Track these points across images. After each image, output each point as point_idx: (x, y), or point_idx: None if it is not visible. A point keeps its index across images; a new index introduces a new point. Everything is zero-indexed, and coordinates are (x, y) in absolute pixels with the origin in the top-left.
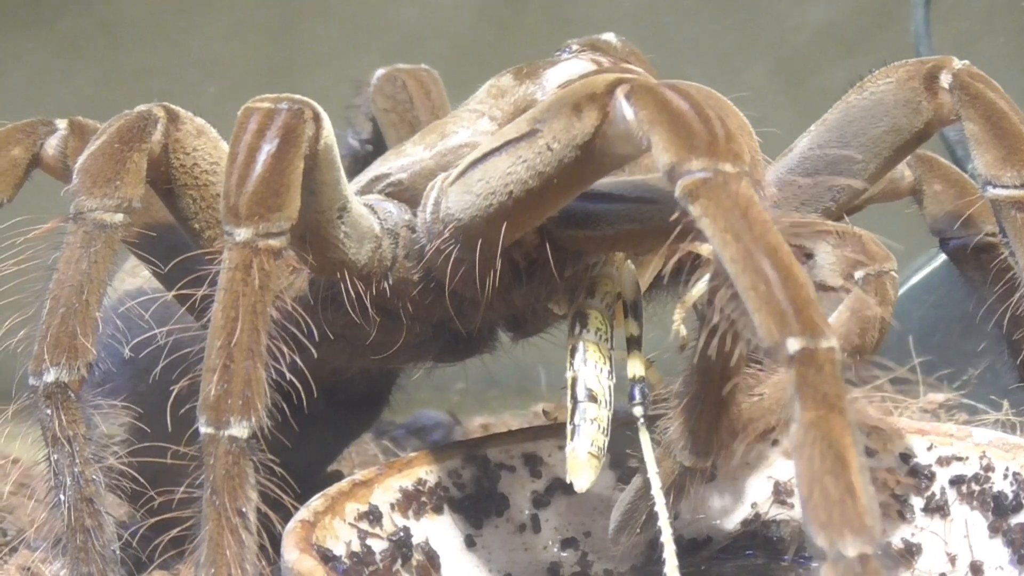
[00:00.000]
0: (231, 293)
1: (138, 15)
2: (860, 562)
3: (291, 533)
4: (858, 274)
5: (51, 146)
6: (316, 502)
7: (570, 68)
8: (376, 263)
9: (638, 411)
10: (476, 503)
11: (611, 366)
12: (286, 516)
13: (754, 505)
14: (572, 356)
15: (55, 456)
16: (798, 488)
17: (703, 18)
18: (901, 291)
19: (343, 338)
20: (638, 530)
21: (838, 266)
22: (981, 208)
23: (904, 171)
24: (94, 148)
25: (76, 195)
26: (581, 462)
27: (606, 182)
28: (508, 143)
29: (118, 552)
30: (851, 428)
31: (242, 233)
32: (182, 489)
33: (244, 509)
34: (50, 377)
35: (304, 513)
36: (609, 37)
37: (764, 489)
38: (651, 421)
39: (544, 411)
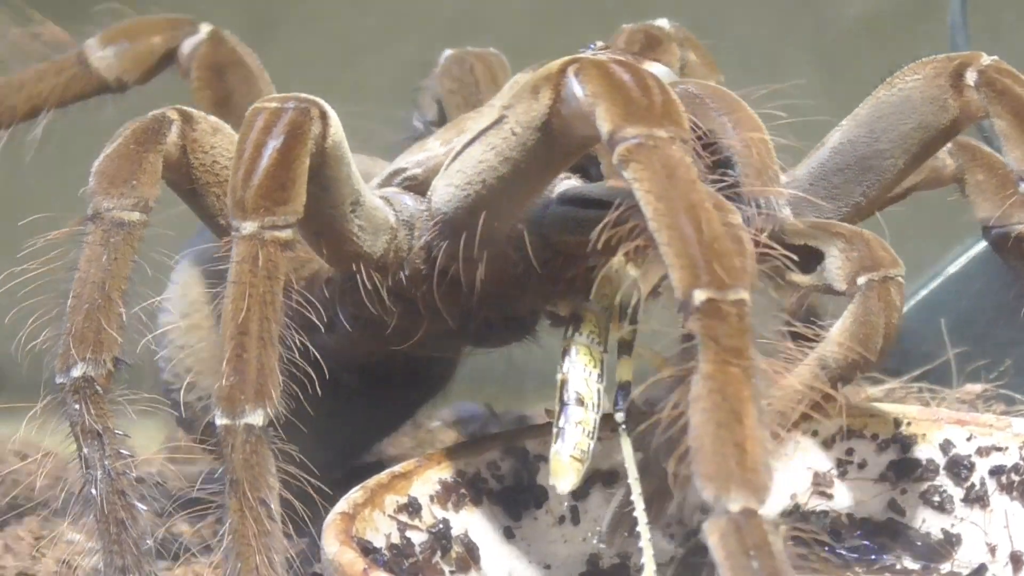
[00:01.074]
0: (240, 285)
1: None
2: (744, 517)
3: (331, 525)
4: (861, 279)
5: (188, 45)
6: (355, 494)
7: None
8: (392, 254)
9: (619, 416)
10: (515, 495)
11: (602, 369)
12: (311, 506)
13: (793, 496)
14: (563, 358)
15: (86, 451)
16: (690, 440)
17: (742, 8)
18: (938, 281)
19: (364, 327)
20: (625, 533)
21: (844, 270)
22: (1020, 200)
23: (946, 159)
24: (110, 151)
25: (93, 196)
26: (564, 464)
27: (599, 187)
28: (481, 132)
29: (152, 545)
30: (751, 382)
31: (248, 226)
32: (199, 484)
33: (266, 497)
34: (77, 372)
35: (343, 505)
36: (663, 23)
37: (803, 480)
38: (636, 424)
39: (546, 411)
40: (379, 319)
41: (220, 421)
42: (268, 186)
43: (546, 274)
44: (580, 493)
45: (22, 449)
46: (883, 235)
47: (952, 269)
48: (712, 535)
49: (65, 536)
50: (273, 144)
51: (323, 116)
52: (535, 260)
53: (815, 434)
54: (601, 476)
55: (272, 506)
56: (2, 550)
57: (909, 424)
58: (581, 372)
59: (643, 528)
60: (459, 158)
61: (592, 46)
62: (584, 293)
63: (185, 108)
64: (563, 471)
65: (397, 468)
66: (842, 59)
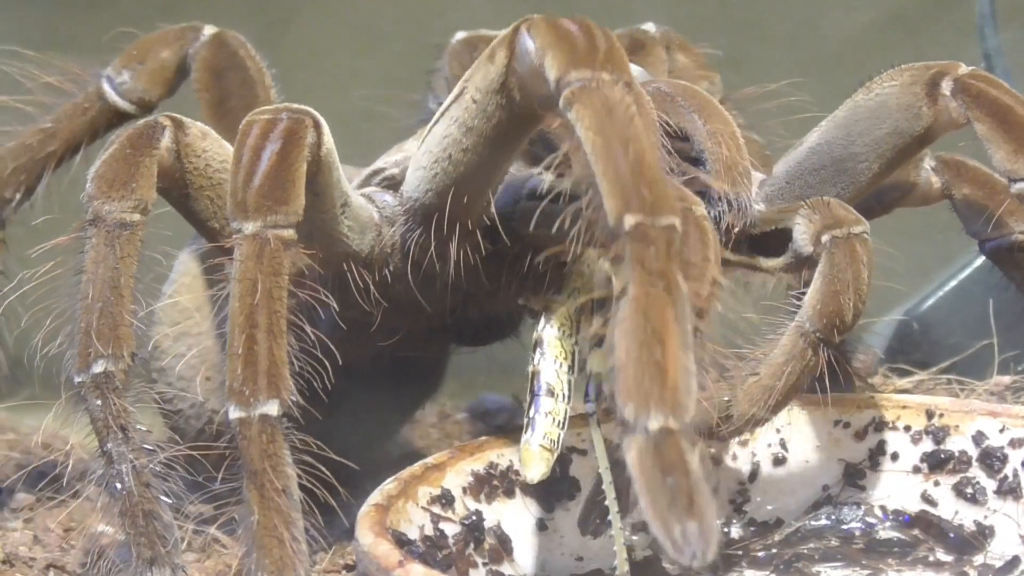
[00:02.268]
0: (245, 282)
1: None
2: (662, 435)
3: (365, 517)
4: (825, 238)
5: (193, 50)
6: (389, 486)
7: None
8: (378, 251)
9: (590, 408)
10: (547, 487)
11: (572, 361)
12: (334, 494)
13: (825, 487)
14: (534, 350)
15: (109, 446)
16: (613, 360)
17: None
18: (966, 272)
19: (350, 326)
20: (597, 520)
21: (808, 233)
22: (1011, 207)
23: (931, 178)
24: (107, 155)
25: (93, 200)
26: (533, 454)
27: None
28: (444, 109)
29: (178, 536)
30: (676, 306)
31: (251, 226)
32: (220, 479)
33: (286, 487)
34: (98, 368)
35: (377, 497)
36: (649, 27)
37: (835, 471)
38: (608, 416)
39: (514, 397)
40: (364, 318)
41: (234, 415)
42: (269, 186)
43: (518, 268)
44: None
45: (49, 442)
46: (911, 226)
47: (979, 260)
48: (629, 453)
49: (94, 528)
50: (271, 148)
51: (316, 125)
52: (508, 252)
53: (847, 426)
54: None
55: (294, 495)
56: (31, 542)
57: (942, 416)
58: (552, 364)
59: (614, 517)
60: (425, 140)
61: None
62: (556, 287)
63: (175, 115)
64: (532, 461)
65: (430, 460)
66: (867, 49)
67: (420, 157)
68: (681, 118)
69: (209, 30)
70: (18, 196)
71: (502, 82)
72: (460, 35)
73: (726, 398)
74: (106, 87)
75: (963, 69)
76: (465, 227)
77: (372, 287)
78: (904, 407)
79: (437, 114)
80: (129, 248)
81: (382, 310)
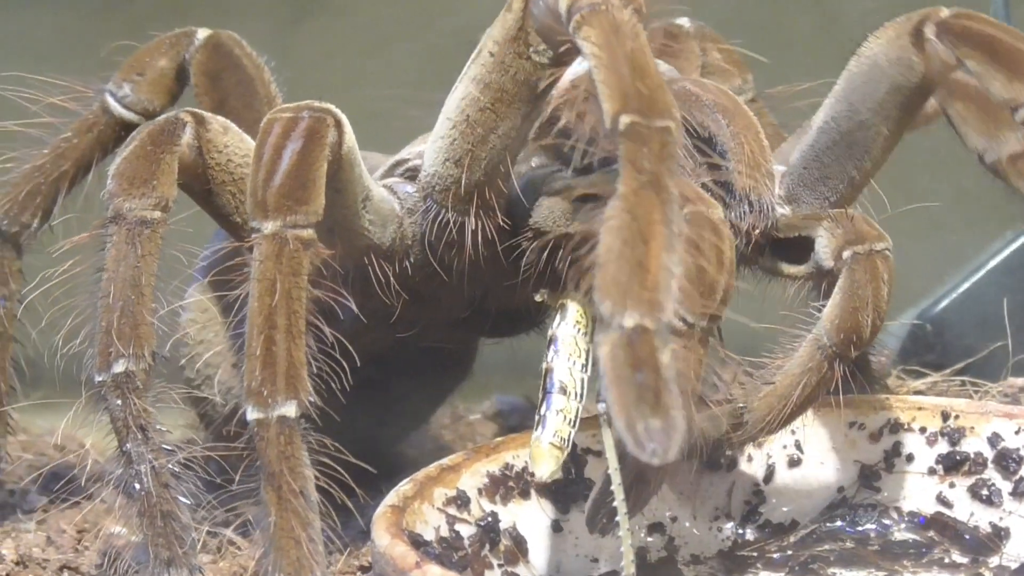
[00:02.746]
0: (264, 282)
1: None
2: (636, 333)
3: (381, 518)
4: (846, 253)
5: (189, 55)
6: (405, 487)
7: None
8: (399, 243)
9: (601, 407)
10: (563, 488)
11: (587, 360)
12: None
13: (841, 489)
14: (548, 347)
15: (129, 445)
16: (596, 256)
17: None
18: (979, 274)
19: (371, 316)
20: (604, 520)
21: (830, 247)
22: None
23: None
24: (127, 152)
25: (114, 197)
26: (543, 452)
27: (588, 179)
28: (464, 74)
29: (196, 537)
30: (665, 206)
31: (270, 225)
32: (237, 480)
33: (304, 488)
34: (119, 368)
35: (393, 498)
36: (683, 21)
37: (851, 473)
38: None
39: (526, 398)
40: (385, 310)
41: (252, 415)
42: (289, 186)
43: (536, 264)
44: (627, 486)
45: (63, 443)
46: (924, 228)
47: (993, 262)
48: (603, 347)
49: (108, 529)
50: (292, 147)
51: (338, 124)
52: (526, 248)
53: (862, 427)
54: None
55: (311, 497)
56: (45, 543)
57: (957, 417)
58: (565, 362)
59: (622, 519)
60: (443, 110)
61: None
62: (573, 284)
63: (196, 110)
64: (542, 458)
65: (445, 461)
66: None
67: (438, 128)
68: (706, 117)
69: (202, 33)
70: (35, 222)
71: (519, 27)
72: None
73: (741, 405)
74: (110, 101)
75: (945, 11)
76: (483, 198)
77: (392, 279)
78: (920, 408)
79: (457, 82)
80: (150, 246)
81: (403, 302)
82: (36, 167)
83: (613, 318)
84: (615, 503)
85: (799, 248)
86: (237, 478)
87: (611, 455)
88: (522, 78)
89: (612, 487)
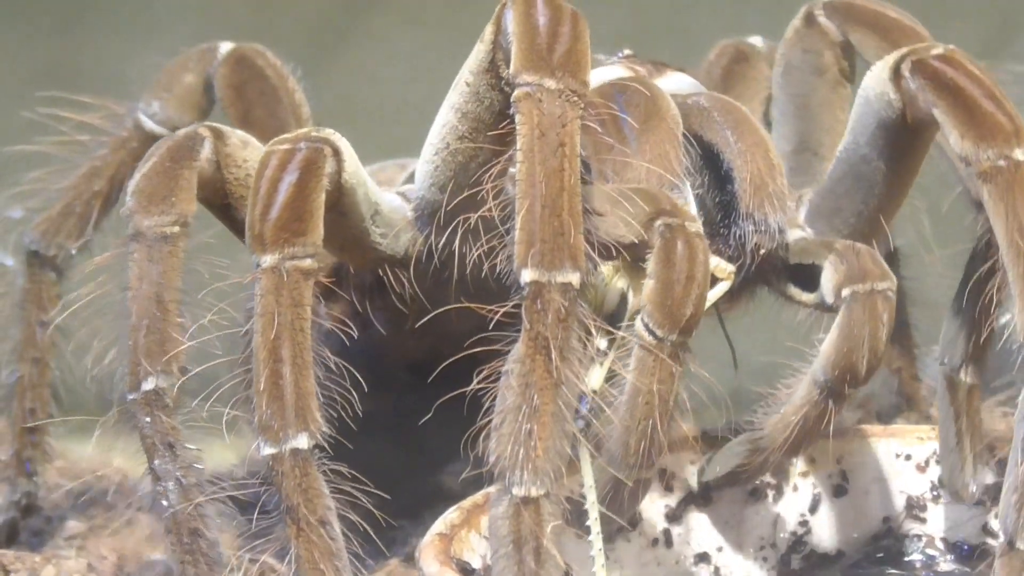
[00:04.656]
0: (266, 316)
1: None
2: (524, 504)
3: (429, 546)
4: (846, 291)
5: (214, 69)
6: (452, 515)
7: (604, 73)
8: (413, 250)
9: (580, 424)
10: (609, 517)
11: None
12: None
13: (886, 519)
14: None
15: (157, 463)
16: (495, 412)
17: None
18: None
19: (397, 324)
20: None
21: (832, 283)
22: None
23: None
24: (146, 169)
25: (133, 215)
26: None
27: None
28: (445, 101)
29: (223, 554)
30: (555, 372)
31: (268, 259)
32: (256, 518)
33: (324, 517)
34: (148, 385)
35: (440, 526)
36: (756, 40)
37: (897, 503)
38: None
39: None
40: (408, 315)
41: (265, 451)
42: (286, 218)
43: None
44: (674, 515)
45: (98, 467)
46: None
47: None
48: (493, 509)
49: (147, 556)
50: (289, 179)
51: (336, 153)
52: None
53: (909, 457)
54: (694, 499)
55: (333, 525)
56: (86, 569)
57: (1004, 447)
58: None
59: (595, 538)
60: (429, 134)
61: (620, 54)
62: None
63: (215, 125)
64: None
65: (492, 489)
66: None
67: (424, 152)
68: (715, 134)
69: (225, 47)
70: (73, 242)
71: (490, 59)
72: None
73: (759, 435)
74: (142, 118)
75: (935, 49)
76: (468, 223)
77: (407, 286)
78: None
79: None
80: (172, 261)
81: (423, 310)
82: (70, 186)
83: (505, 482)
84: (588, 523)
85: (813, 275)
86: (256, 515)
87: (587, 473)
88: (497, 108)
89: (587, 506)
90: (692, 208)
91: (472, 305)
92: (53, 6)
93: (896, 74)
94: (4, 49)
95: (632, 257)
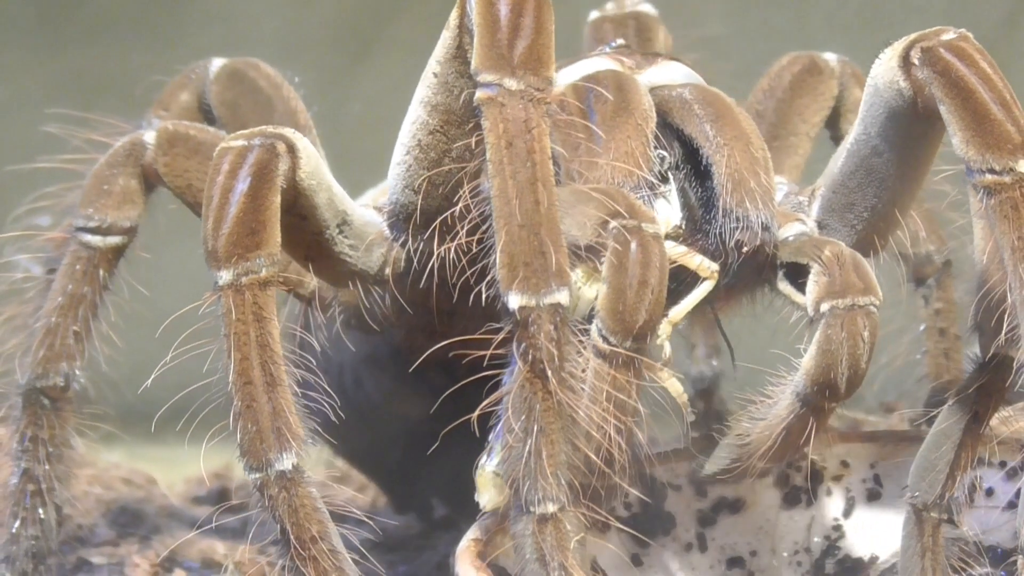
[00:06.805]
0: (230, 336)
1: None
2: (542, 522)
3: (465, 551)
4: (824, 306)
5: (206, 87)
6: (487, 520)
7: (585, 66)
8: (388, 266)
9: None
10: (643, 522)
11: None
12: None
13: None
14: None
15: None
16: (502, 433)
17: None
18: None
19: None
20: None
21: (812, 295)
22: None
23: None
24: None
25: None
26: (487, 480)
27: None
28: (414, 97)
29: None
30: (555, 392)
31: (224, 276)
32: (260, 545)
33: (320, 533)
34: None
35: (476, 531)
36: (829, 56)
37: None
38: None
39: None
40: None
41: (251, 476)
42: (239, 232)
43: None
44: (707, 520)
45: (129, 477)
46: None
47: None
48: (514, 527)
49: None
50: (240, 188)
51: (291, 150)
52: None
53: None
54: (727, 504)
55: (333, 540)
56: None
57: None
58: None
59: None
60: (399, 135)
61: (612, 43)
62: None
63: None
64: (485, 487)
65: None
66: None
67: (395, 155)
68: (694, 128)
69: (215, 64)
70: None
71: (457, 44)
72: (593, 15)
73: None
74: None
75: (945, 35)
76: (444, 224)
77: (385, 303)
78: (1000, 443)
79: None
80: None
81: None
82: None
83: (523, 502)
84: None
85: (808, 276)
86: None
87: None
88: (467, 98)
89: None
90: (673, 205)
91: (462, 338)
92: (80, 15)
93: (905, 61)
94: (34, 57)
95: (595, 259)
